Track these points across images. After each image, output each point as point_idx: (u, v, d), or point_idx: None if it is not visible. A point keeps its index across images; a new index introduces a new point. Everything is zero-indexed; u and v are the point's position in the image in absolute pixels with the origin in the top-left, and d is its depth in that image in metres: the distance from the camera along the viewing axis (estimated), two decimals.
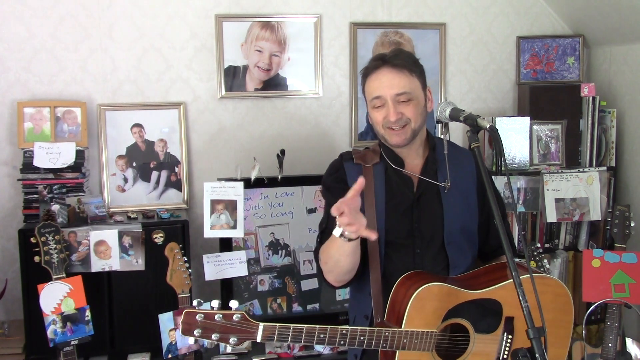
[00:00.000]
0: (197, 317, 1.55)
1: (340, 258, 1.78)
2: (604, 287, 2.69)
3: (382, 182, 1.93)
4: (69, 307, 2.58)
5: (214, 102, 3.27)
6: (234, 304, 1.60)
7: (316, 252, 1.94)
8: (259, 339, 1.60)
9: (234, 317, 1.58)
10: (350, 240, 1.68)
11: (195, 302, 1.56)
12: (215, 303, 1.58)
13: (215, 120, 3.28)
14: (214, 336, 1.56)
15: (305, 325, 1.64)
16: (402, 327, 1.73)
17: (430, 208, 1.93)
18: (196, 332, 1.55)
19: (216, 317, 1.56)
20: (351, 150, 2.03)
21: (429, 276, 1.83)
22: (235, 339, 1.57)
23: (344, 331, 1.68)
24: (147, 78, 3.19)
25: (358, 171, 1.94)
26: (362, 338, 1.70)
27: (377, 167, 1.96)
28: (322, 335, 1.66)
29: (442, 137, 1.92)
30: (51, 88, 3.09)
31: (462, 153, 2.05)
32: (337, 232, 1.68)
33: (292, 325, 1.63)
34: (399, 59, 1.87)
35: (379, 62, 1.89)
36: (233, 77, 3.26)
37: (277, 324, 1.61)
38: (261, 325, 1.60)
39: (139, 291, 2.86)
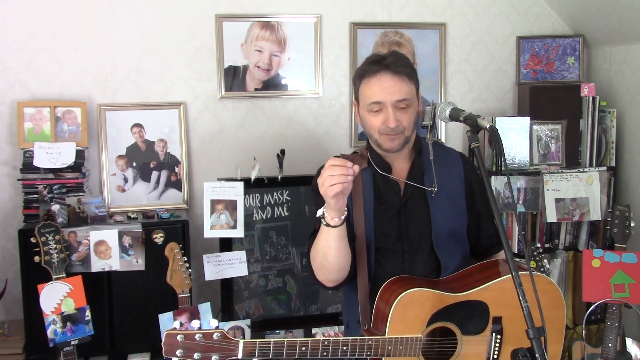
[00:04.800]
0: (177, 337, 1.57)
1: (327, 251, 1.78)
2: (604, 287, 2.69)
3: (371, 188, 1.93)
4: (69, 307, 2.58)
5: (214, 102, 3.27)
6: (213, 322, 1.62)
7: (308, 253, 1.94)
8: (240, 356, 1.61)
9: (214, 335, 1.59)
10: (329, 225, 1.71)
11: (176, 324, 1.60)
12: (197, 323, 1.61)
13: (215, 120, 3.28)
14: (196, 355, 1.58)
15: (286, 339, 1.65)
16: (386, 334, 1.73)
17: (417, 212, 1.92)
18: (178, 352, 1.57)
19: (196, 336, 1.58)
20: (339, 156, 2.01)
21: (413, 281, 1.82)
22: (217, 357, 1.59)
23: (326, 342, 1.68)
24: (147, 78, 3.19)
25: None
26: (345, 348, 1.69)
27: (365, 172, 1.95)
28: (303, 348, 1.66)
29: (428, 142, 1.91)
30: (51, 88, 3.09)
31: (450, 154, 2.04)
32: (320, 211, 1.73)
33: (272, 340, 1.64)
34: (399, 65, 1.85)
35: (378, 66, 1.86)
36: (233, 77, 3.26)
37: (257, 340, 1.63)
38: (241, 342, 1.61)
39: (139, 291, 2.86)
